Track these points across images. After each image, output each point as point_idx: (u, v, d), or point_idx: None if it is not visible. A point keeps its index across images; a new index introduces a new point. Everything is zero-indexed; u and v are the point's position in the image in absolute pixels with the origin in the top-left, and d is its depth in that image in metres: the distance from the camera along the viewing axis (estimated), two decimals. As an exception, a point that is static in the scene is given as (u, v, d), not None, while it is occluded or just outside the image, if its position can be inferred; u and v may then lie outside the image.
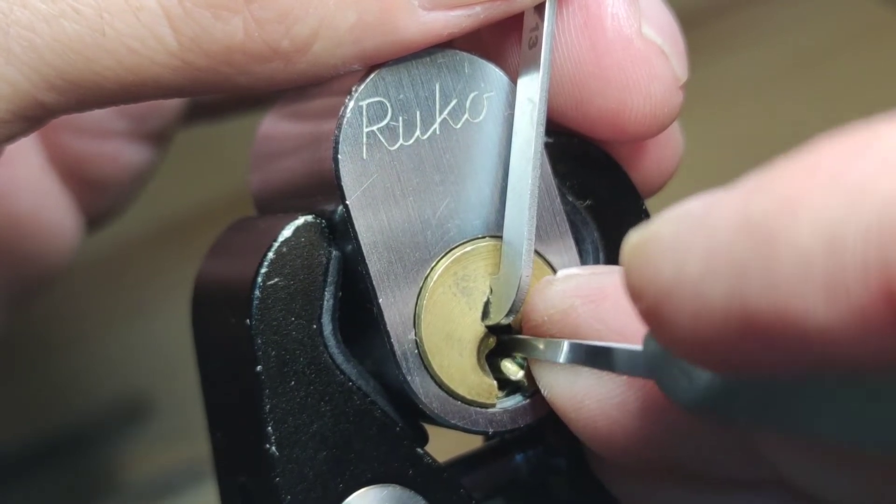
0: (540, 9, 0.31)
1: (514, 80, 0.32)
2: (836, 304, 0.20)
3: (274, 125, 0.36)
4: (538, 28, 0.31)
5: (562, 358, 0.30)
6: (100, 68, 0.29)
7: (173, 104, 0.45)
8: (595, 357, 0.29)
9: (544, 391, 0.31)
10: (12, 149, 0.32)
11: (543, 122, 0.31)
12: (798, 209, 0.20)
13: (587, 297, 0.30)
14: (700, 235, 0.22)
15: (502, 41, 0.33)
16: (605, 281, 0.30)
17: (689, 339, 0.22)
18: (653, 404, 0.28)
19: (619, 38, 0.31)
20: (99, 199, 0.45)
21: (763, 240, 0.21)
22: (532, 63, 0.31)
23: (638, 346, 0.27)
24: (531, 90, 0.31)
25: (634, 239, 0.24)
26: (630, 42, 0.31)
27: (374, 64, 0.31)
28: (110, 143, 0.44)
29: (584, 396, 0.29)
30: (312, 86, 0.32)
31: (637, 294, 0.23)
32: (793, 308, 0.20)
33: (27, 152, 0.43)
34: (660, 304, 0.23)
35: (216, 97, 0.46)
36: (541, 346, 0.31)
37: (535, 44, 0.31)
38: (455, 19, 0.30)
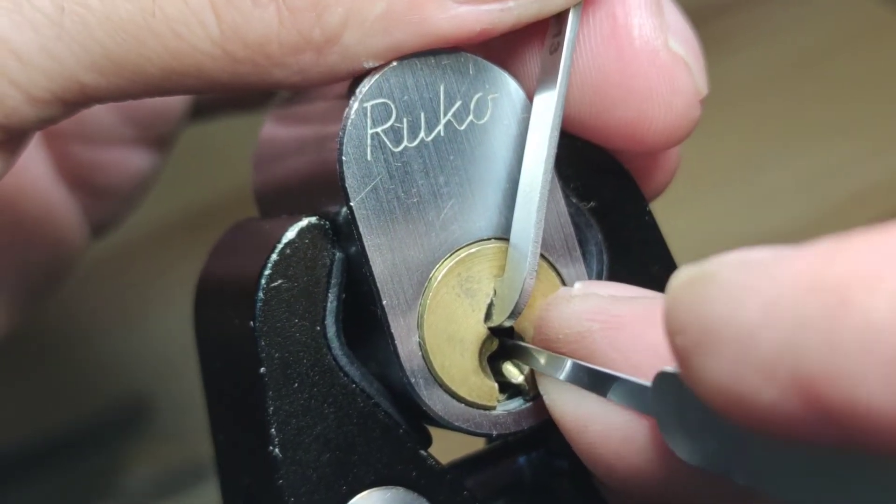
0: (563, 15, 0.31)
1: (528, 86, 0.32)
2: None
3: (276, 128, 0.36)
4: (560, 34, 0.31)
5: (562, 375, 0.30)
6: (146, 51, 0.29)
7: (177, 109, 0.45)
8: (598, 382, 0.29)
9: (549, 405, 0.30)
10: (21, 156, 0.32)
11: (559, 126, 0.31)
12: (878, 283, 0.20)
13: (605, 322, 0.29)
14: (765, 283, 0.22)
15: (518, 48, 0.33)
16: (624, 309, 0.29)
17: (724, 384, 0.22)
18: (656, 444, 0.28)
19: (646, 48, 0.31)
20: (105, 205, 0.46)
21: (833, 304, 0.20)
22: (552, 68, 0.31)
23: (646, 381, 0.27)
24: (549, 95, 0.31)
25: (688, 274, 0.23)
26: (657, 54, 0.31)
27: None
28: (116, 150, 0.44)
29: (589, 421, 0.29)
30: (317, 88, 0.32)
31: (678, 328, 0.23)
32: (848, 377, 0.20)
33: (35, 160, 0.43)
34: (702, 342, 0.22)
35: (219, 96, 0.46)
36: (542, 360, 0.30)
37: (557, 49, 0.31)
38: (487, 14, 0.30)
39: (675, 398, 0.25)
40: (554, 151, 0.31)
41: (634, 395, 0.28)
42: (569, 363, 0.29)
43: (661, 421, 0.26)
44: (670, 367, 0.25)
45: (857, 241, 0.21)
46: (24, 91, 0.29)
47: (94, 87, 0.29)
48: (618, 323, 0.29)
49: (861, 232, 0.21)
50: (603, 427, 0.29)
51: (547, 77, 0.31)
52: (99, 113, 0.43)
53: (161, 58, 0.29)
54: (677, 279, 0.23)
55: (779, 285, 0.21)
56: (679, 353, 0.23)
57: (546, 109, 0.31)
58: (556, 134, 0.31)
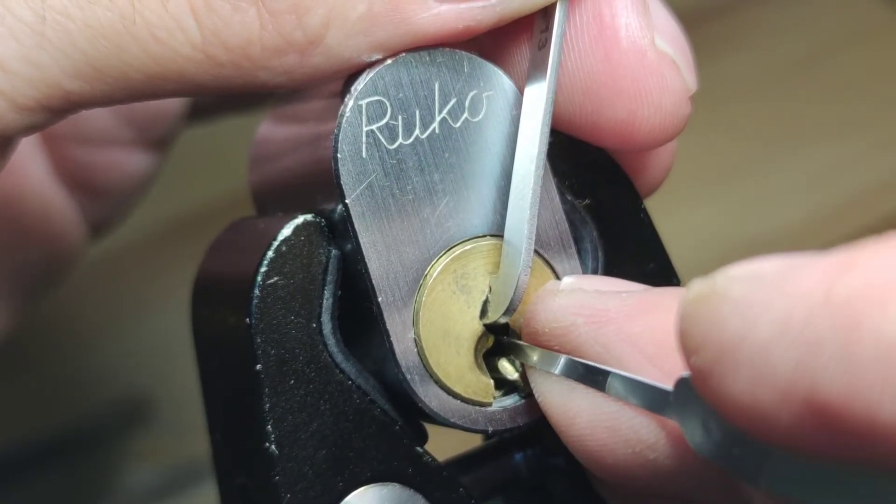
0: (550, 10, 0.31)
1: (519, 84, 0.32)
2: None
3: (272, 127, 0.36)
4: (548, 29, 0.31)
5: (556, 371, 0.30)
6: (128, 57, 0.29)
7: (175, 110, 0.45)
8: (591, 377, 0.29)
9: (539, 399, 0.31)
10: (18, 158, 0.32)
11: (549, 122, 0.31)
12: (887, 300, 0.20)
13: (590, 316, 0.29)
14: (776, 301, 0.21)
15: (508, 44, 0.33)
16: (609, 303, 0.29)
17: (742, 404, 0.22)
18: (642, 437, 0.28)
19: (633, 49, 0.31)
20: (103, 206, 0.46)
21: (845, 322, 0.20)
22: (540, 64, 0.31)
23: (666, 385, 0.27)
24: (539, 90, 0.31)
25: (698, 290, 0.23)
26: (644, 54, 0.32)
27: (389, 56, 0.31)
28: (115, 151, 0.45)
29: (577, 414, 0.29)
30: (312, 87, 0.32)
31: (693, 347, 0.23)
32: (865, 399, 0.20)
33: (33, 162, 0.44)
34: (718, 363, 0.22)
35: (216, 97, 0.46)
36: (535, 356, 0.31)
37: (545, 45, 0.31)
38: (469, 12, 0.30)
39: (696, 404, 0.25)
40: (545, 147, 0.31)
41: (656, 400, 0.27)
42: (562, 359, 0.30)
43: (685, 425, 0.26)
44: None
45: (865, 253, 0.21)
46: (8, 99, 0.29)
47: (78, 93, 0.29)
48: (602, 317, 0.29)
49: (870, 243, 0.21)
50: (590, 419, 0.29)
51: (536, 73, 0.31)
52: (96, 115, 0.43)
53: (143, 63, 0.29)
54: (689, 295, 0.23)
55: (789, 302, 0.21)
56: (696, 372, 0.23)
57: (536, 105, 0.31)
58: (547, 130, 0.31)
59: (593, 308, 0.29)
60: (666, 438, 0.28)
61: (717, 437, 0.25)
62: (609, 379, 0.28)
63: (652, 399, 0.27)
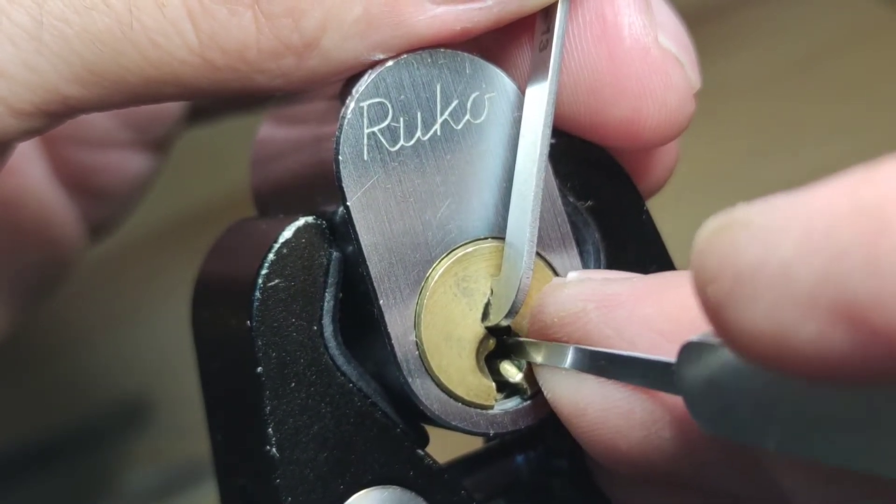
0: (551, 12, 0.31)
1: (521, 85, 0.32)
2: None
3: (273, 129, 0.36)
4: (549, 31, 0.31)
5: (566, 364, 0.30)
6: (126, 61, 0.29)
7: (174, 111, 0.45)
8: (608, 365, 0.28)
9: (547, 394, 0.30)
10: (18, 160, 0.32)
11: (550, 124, 0.31)
12: None
13: (600, 302, 0.29)
14: (798, 219, 0.21)
15: (510, 45, 0.33)
16: (618, 288, 0.29)
17: (762, 330, 0.21)
18: (657, 417, 0.28)
19: (636, 47, 0.31)
20: (103, 208, 0.46)
21: (872, 226, 0.20)
22: (542, 65, 0.31)
23: (668, 358, 0.26)
24: (540, 92, 0.31)
25: (716, 222, 0.22)
26: (647, 51, 0.32)
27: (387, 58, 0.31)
28: (114, 153, 0.45)
29: (588, 403, 0.29)
30: (310, 90, 0.32)
31: (709, 278, 0.22)
32: (895, 301, 0.19)
33: (32, 163, 0.44)
34: (737, 287, 0.21)
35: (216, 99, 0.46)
36: (541, 354, 0.30)
37: (546, 46, 0.31)
38: (466, 13, 0.30)
39: (702, 367, 0.25)
40: (546, 149, 0.31)
41: (657, 374, 0.27)
42: (570, 351, 0.29)
43: (687, 394, 0.26)
44: (695, 336, 0.25)
45: (887, 165, 0.20)
46: (6, 104, 0.29)
47: (76, 98, 0.30)
48: (612, 301, 0.29)
49: (888, 158, 0.21)
50: (602, 406, 0.29)
51: (537, 74, 0.31)
52: (95, 117, 0.43)
53: (141, 68, 0.29)
54: (705, 229, 0.23)
55: (812, 217, 0.21)
56: (711, 303, 0.22)
57: (538, 107, 0.31)
58: (548, 132, 0.31)
59: (603, 294, 0.29)
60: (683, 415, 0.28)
61: (723, 403, 0.25)
62: (620, 364, 0.28)
63: (663, 377, 0.27)
